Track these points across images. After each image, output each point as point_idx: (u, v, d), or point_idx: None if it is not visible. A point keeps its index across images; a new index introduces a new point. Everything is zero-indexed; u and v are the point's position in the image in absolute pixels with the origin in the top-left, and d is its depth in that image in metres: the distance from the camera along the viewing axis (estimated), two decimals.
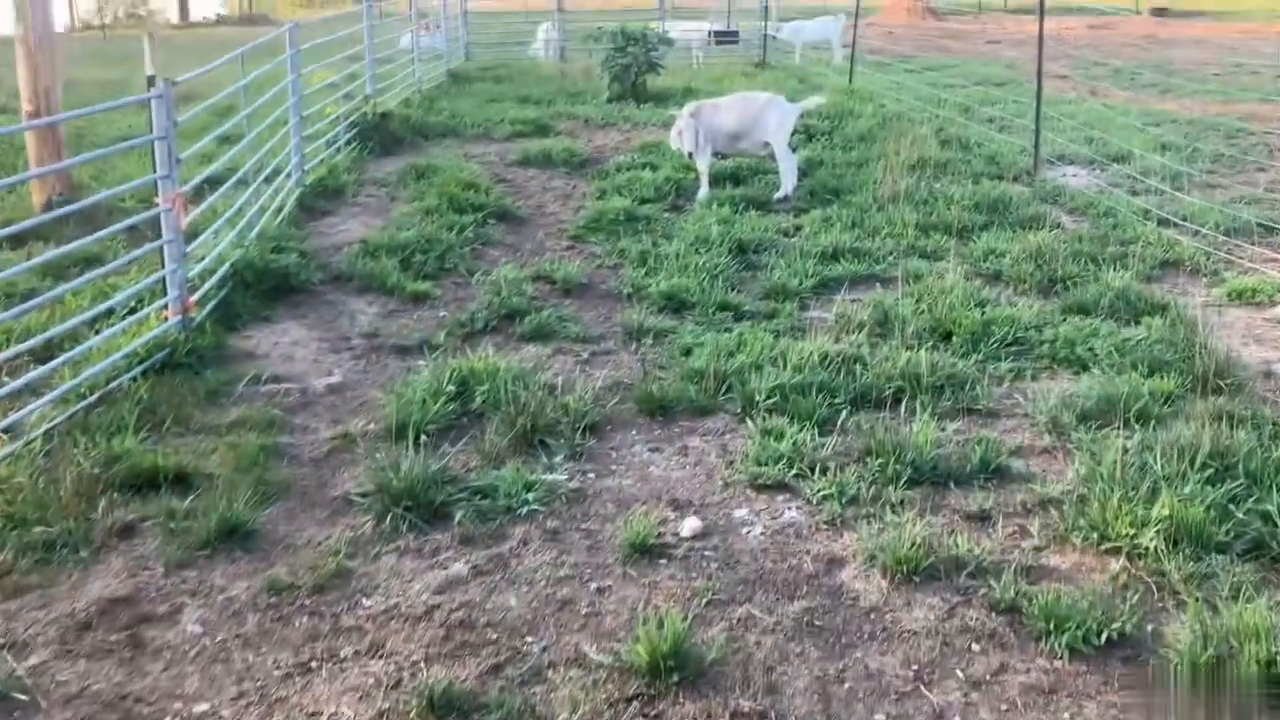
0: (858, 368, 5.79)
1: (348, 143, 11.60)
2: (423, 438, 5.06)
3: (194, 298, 6.51)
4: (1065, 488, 4.52)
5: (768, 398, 5.41)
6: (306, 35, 12.63)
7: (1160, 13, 32.80)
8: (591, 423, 5.30)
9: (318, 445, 5.21)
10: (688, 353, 6.25)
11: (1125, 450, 4.62)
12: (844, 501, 4.48)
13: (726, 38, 22.86)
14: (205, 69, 7.47)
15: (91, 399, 5.39)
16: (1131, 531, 4.05)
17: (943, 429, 5.12)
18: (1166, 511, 4.04)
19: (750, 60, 21.34)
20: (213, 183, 8.30)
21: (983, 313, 6.57)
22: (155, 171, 5.99)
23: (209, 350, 6.17)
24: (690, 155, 10.04)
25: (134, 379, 5.65)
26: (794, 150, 10.49)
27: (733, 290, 7.40)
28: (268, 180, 8.95)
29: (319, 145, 10.86)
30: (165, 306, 6.19)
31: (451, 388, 5.44)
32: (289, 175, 9.56)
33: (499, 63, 21.05)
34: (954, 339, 6.27)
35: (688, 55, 21.58)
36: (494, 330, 6.80)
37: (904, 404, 5.39)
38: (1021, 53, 17.28)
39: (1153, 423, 5.05)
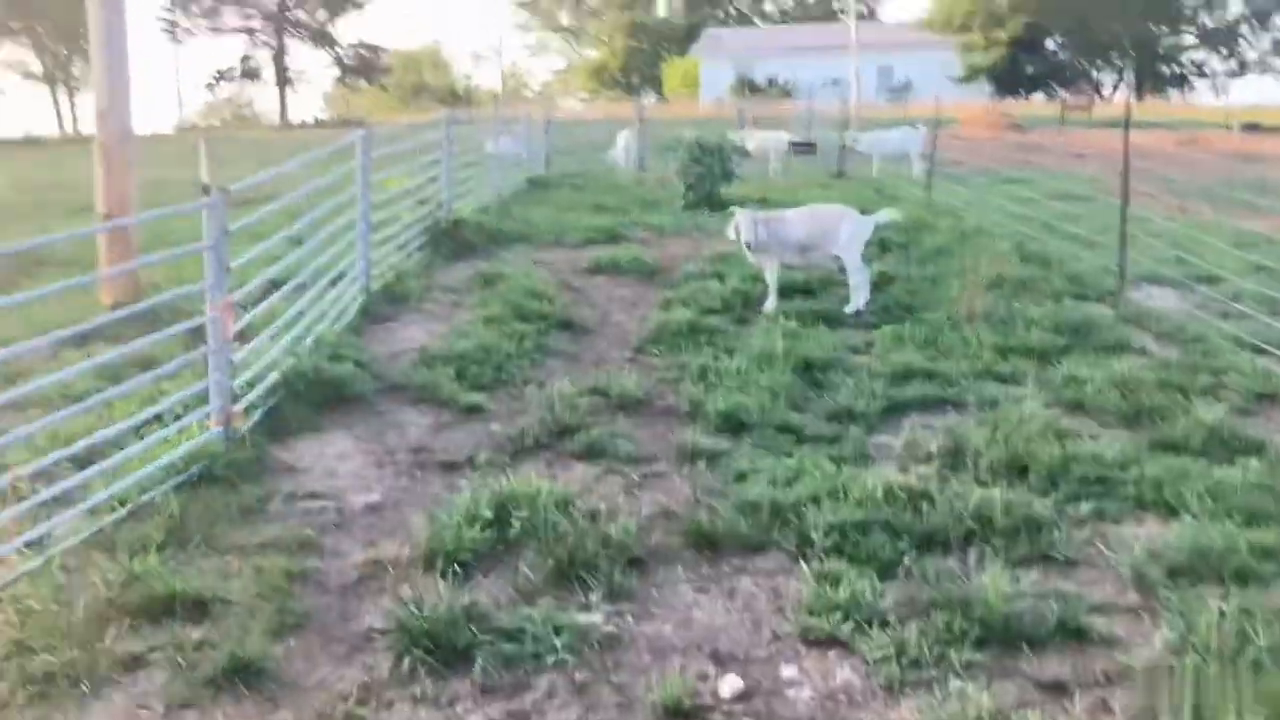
0: (925, 504, 5.38)
1: (419, 248, 11.65)
2: (454, 568, 4.79)
3: (240, 406, 6.39)
4: (1153, 657, 4.05)
5: (826, 536, 5.03)
6: (385, 140, 12.86)
7: (1252, 128, 32.18)
8: (634, 556, 4.97)
9: (346, 572, 4.96)
10: (743, 478, 5.91)
11: (1221, 614, 4.14)
12: (904, 663, 4.05)
13: (804, 148, 22.91)
14: (263, 176, 7.47)
15: (121, 513, 5.23)
16: (1230, 717, 3.56)
17: (1016, 580, 4.67)
18: (1273, 694, 3.56)
19: (828, 171, 21.28)
20: (277, 284, 8.32)
21: (1062, 447, 6.13)
22: (204, 280, 5.91)
23: (249, 463, 6.00)
24: (748, 246, 9.80)
25: (168, 492, 5.49)
26: (867, 264, 10.21)
27: (795, 410, 7.07)
28: (333, 283, 8.94)
29: (389, 250, 10.89)
30: (208, 416, 6.06)
31: (489, 513, 5.16)
32: (355, 280, 9.55)
33: (578, 170, 21.30)
34: (1031, 475, 5.84)
35: (765, 165, 21.62)
36: (544, 447, 6.54)
37: (974, 548, 4.97)
38: (1106, 167, 16.88)
39: (1253, 582, 4.55)
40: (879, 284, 10.31)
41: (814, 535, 5.05)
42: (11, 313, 8.81)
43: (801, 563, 4.90)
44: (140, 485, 5.46)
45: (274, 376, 6.94)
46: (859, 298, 9.79)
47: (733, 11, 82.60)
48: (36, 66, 52.10)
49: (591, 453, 6.37)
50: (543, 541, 4.95)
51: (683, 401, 7.29)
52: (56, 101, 55.69)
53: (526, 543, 5.03)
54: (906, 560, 4.87)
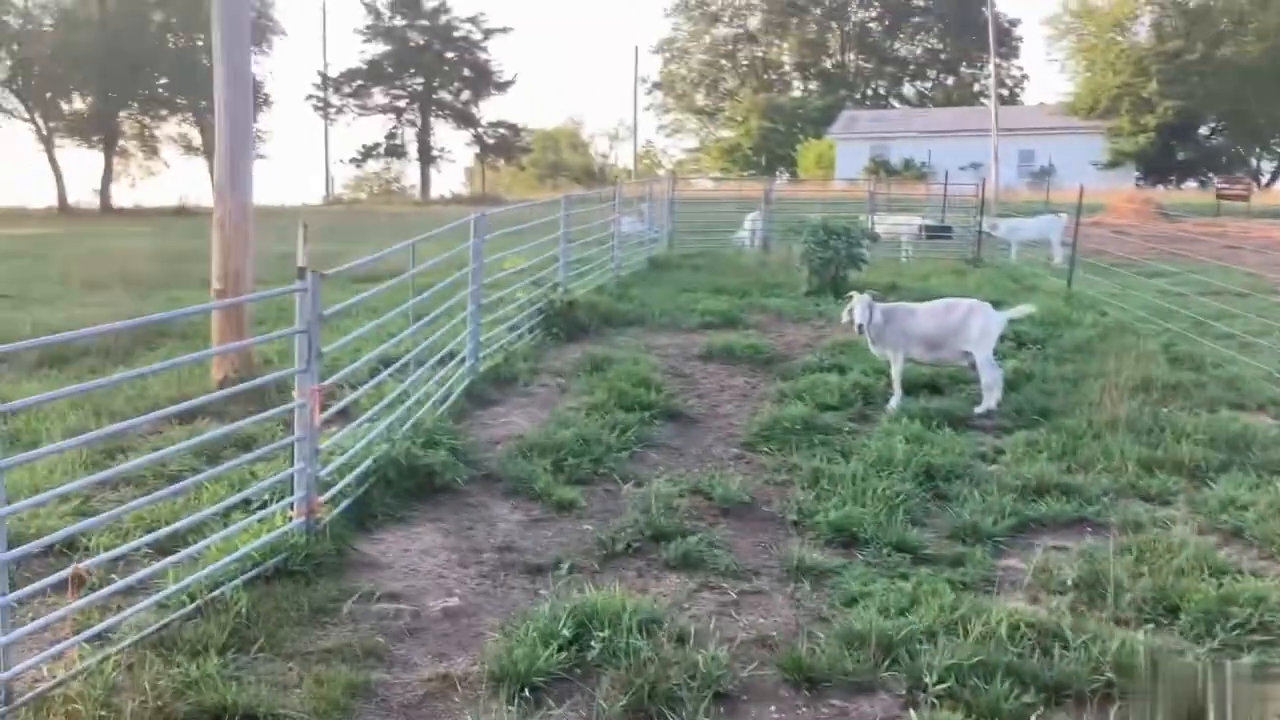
0: (1056, 647, 4.76)
1: (531, 329, 11.47)
2: (525, 692, 4.38)
3: (326, 496, 6.18)
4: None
5: (940, 680, 4.46)
6: (510, 219, 12.85)
7: None
8: (723, 690, 4.48)
9: (412, 688, 4.60)
10: (852, 603, 5.37)
11: None
12: None
13: (939, 233, 22.21)
14: (366, 259, 7.35)
15: (189, 608, 5.00)
16: None
17: None
18: None
19: (962, 257, 20.54)
20: (387, 362, 8.21)
21: (1219, 583, 5.41)
22: (295, 365, 5.74)
23: (329, 557, 5.73)
24: (860, 330, 9.29)
25: (239, 587, 5.25)
26: (1000, 362, 9.56)
27: (914, 525, 6.49)
28: (442, 363, 8.79)
29: (501, 330, 10.74)
30: (293, 505, 5.84)
31: (567, 632, 4.75)
32: (463, 361, 9.39)
33: (702, 250, 21.05)
34: (1182, 616, 5.14)
35: (896, 249, 21.02)
36: (637, 552, 6.11)
37: (1114, 706, 4.32)
38: (1265, 259, 15.79)
39: None
40: (1012, 383, 9.63)
41: (927, 678, 4.48)
42: (122, 387, 8.96)
43: (911, 711, 4.34)
44: (214, 578, 5.24)
45: (367, 463, 6.72)
46: (990, 398, 9.15)
47: (869, 93, 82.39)
48: (198, 140, 55.06)
49: (687, 563, 5.92)
50: (623, 668, 4.51)
51: (791, 509, 6.78)
52: (213, 174, 58.82)
53: (605, 668, 4.60)
54: (1033, 716, 4.25)
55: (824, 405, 9.10)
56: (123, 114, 54.06)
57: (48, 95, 50.82)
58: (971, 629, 4.86)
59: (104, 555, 5.34)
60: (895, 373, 9.38)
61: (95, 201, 51.60)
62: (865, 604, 5.28)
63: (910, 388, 9.55)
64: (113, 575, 5.30)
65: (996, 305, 9.94)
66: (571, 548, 6.15)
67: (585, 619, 4.87)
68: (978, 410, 9.10)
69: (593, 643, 4.71)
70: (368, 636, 4.98)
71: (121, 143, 54.87)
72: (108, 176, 52.83)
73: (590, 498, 6.99)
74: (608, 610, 4.92)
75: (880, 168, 54.74)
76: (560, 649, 4.66)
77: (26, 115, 51.38)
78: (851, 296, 9.49)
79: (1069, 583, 5.50)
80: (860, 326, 9.28)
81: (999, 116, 39.71)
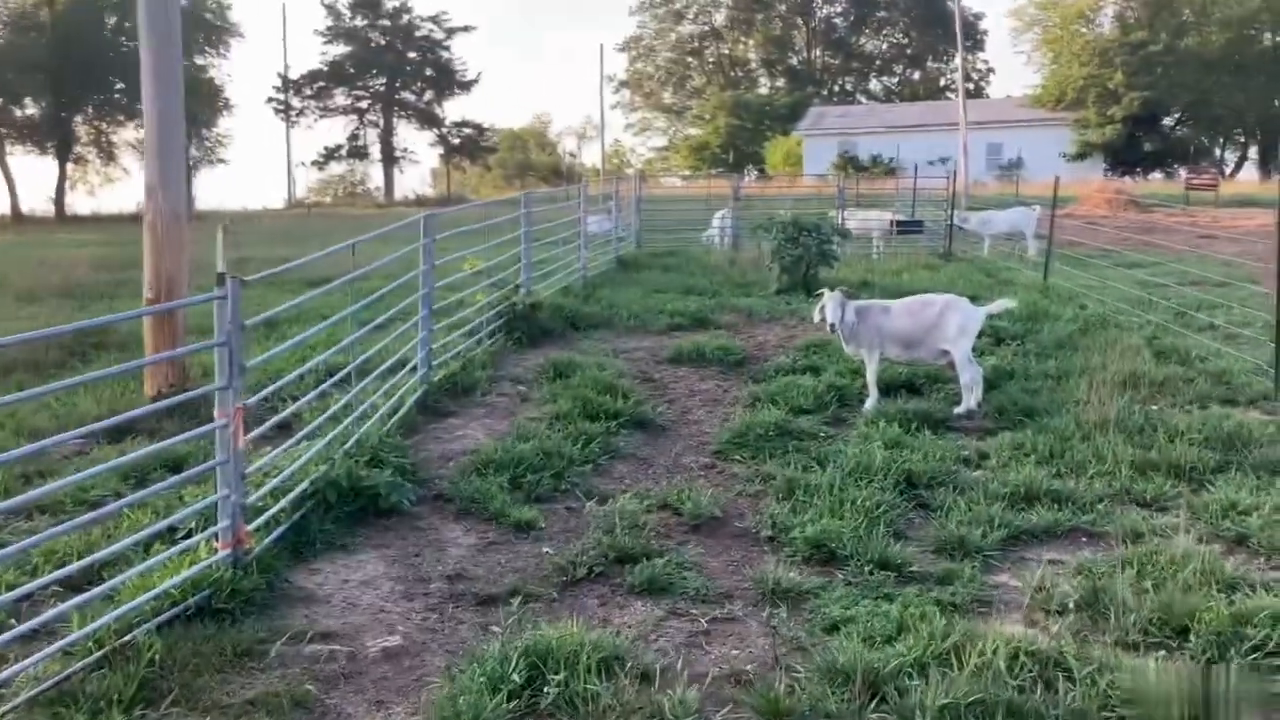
0: (1060, 678, 4.31)
1: (491, 334, 10.94)
2: None
3: (263, 518, 5.66)
4: None
5: None
6: (474, 218, 12.31)
7: None
8: None
9: None
10: (833, 629, 4.91)
11: None
12: None
13: (910, 228, 21.83)
14: (295, 262, 6.80)
15: (94, 656, 4.46)
16: None
17: None
18: None
19: (934, 251, 20.17)
20: (332, 370, 7.70)
21: (1230, 600, 4.98)
22: (215, 380, 5.19)
23: (258, 591, 5.20)
24: (833, 328, 8.86)
25: (156, 628, 4.71)
26: (978, 360, 9.13)
27: (897, 538, 6.03)
28: (391, 372, 8.25)
29: (458, 336, 10.21)
30: (216, 536, 5.30)
31: (518, 676, 4.25)
32: (414, 369, 8.85)
33: (671, 249, 20.57)
34: (1193, 638, 4.70)
35: (867, 245, 20.63)
36: (600, 577, 5.62)
37: None
38: (1242, 249, 15.46)
39: None
40: (993, 382, 9.21)
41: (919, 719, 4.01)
42: (49, 402, 8.37)
43: None
44: (126, 621, 4.69)
45: (304, 485, 6.18)
46: (970, 398, 8.72)
47: (836, 89, 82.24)
48: None
49: (653, 587, 5.43)
50: (581, 716, 4.02)
51: (765, 523, 6.30)
52: None
53: (560, 717, 4.10)
54: None
55: (798, 409, 8.64)
56: (78, 119, 52.89)
57: None
58: (966, 659, 4.41)
59: (6, 595, 4.81)
60: (871, 373, 8.94)
61: (51, 209, 50.43)
62: (848, 631, 4.83)
63: (887, 388, 9.12)
64: (12, 620, 4.75)
65: (973, 300, 9.52)
66: (528, 574, 5.65)
67: (539, 659, 4.37)
68: (958, 411, 8.68)
69: (547, 688, 4.21)
70: (297, 683, 4.46)
71: (77, 149, 53.68)
72: (62, 183, 51.67)
73: (550, 517, 6.48)
74: (564, 648, 4.43)
75: (848, 163, 54.45)
76: (510, 696, 4.16)
77: None
78: (823, 294, 9.04)
79: (1068, 603, 5.06)
80: (833, 325, 8.84)
81: (966, 110, 39.47)
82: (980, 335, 9.42)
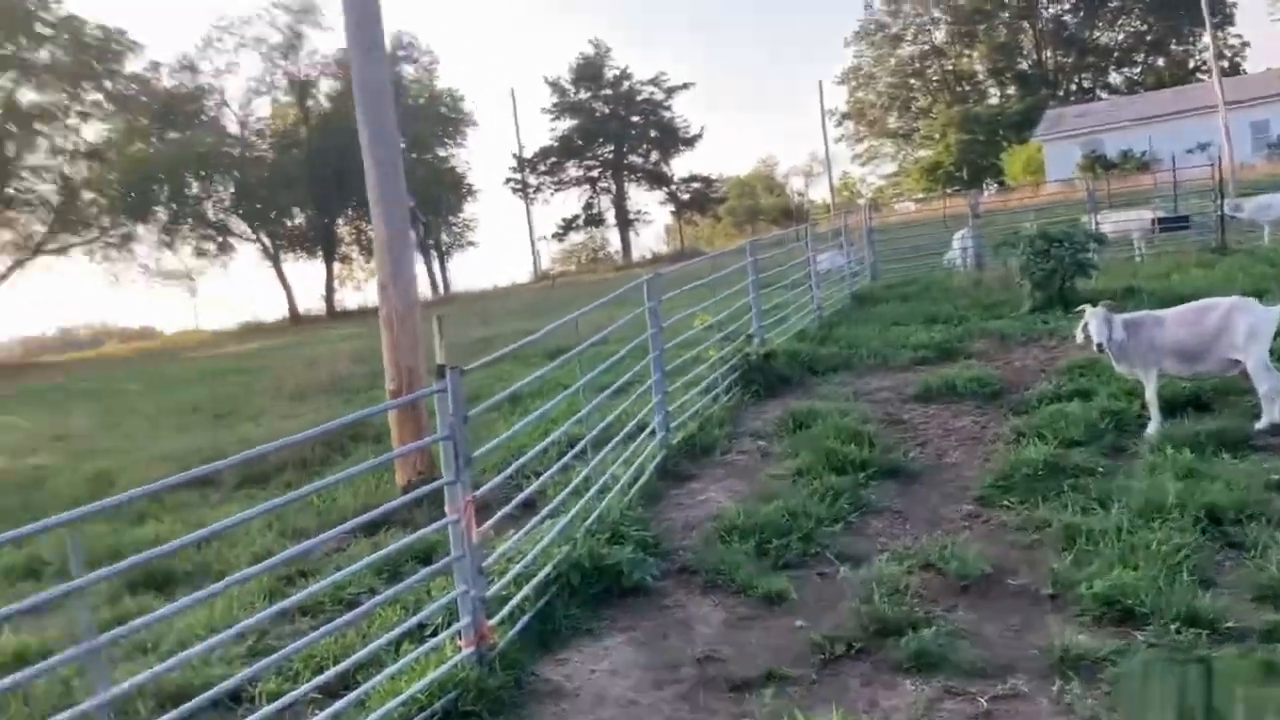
0: None
1: (727, 389, 10.64)
2: None
3: (506, 609, 5.53)
4: None
5: None
6: (687, 277, 12.12)
7: None
8: None
9: None
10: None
11: None
12: None
13: (1174, 224, 20.00)
14: (514, 346, 6.71)
15: None
16: None
17: None
18: None
19: (1205, 247, 18.37)
20: (572, 443, 7.60)
21: None
22: (442, 475, 5.12)
23: (505, 689, 5.04)
24: (1100, 349, 7.98)
25: None
26: (1277, 366, 8.01)
27: (1205, 589, 5.22)
28: (629, 439, 8.09)
29: (694, 395, 9.96)
30: (459, 634, 5.20)
31: None
32: (653, 434, 8.66)
33: (908, 278, 19.72)
34: None
35: (1128, 249, 19.05)
36: (860, 653, 5.13)
37: None
38: None
39: None
40: None
41: None
42: (313, 501, 8.70)
43: None
44: None
45: (547, 570, 6.03)
46: (1274, 410, 7.64)
47: (1072, 88, 77.89)
48: (411, 237, 57.58)
49: (922, 663, 4.90)
50: None
51: (1044, 579, 5.62)
52: (431, 271, 61.24)
53: None
54: None
55: (1069, 441, 7.81)
56: (339, 222, 57.30)
57: (271, 214, 54.45)
58: None
59: (269, 707, 4.85)
60: (1150, 393, 8.00)
61: (323, 307, 54.73)
62: (1154, 701, 4.12)
63: (1170, 407, 8.14)
64: None
65: (1260, 298, 8.38)
66: (782, 653, 5.24)
67: None
68: (1259, 426, 7.62)
69: None
70: None
71: (341, 249, 58.10)
72: (330, 283, 55.99)
73: (801, 585, 6.04)
74: None
75: (1095, 163, 51.15)
76: None
77: (253, 235, 55.26)
78: (1084, 310, 8.21)
79: None
80: (1100, 344, 7.99)
81: (1224, 89, 36.24)
82: (1276, 337, 8.28)
